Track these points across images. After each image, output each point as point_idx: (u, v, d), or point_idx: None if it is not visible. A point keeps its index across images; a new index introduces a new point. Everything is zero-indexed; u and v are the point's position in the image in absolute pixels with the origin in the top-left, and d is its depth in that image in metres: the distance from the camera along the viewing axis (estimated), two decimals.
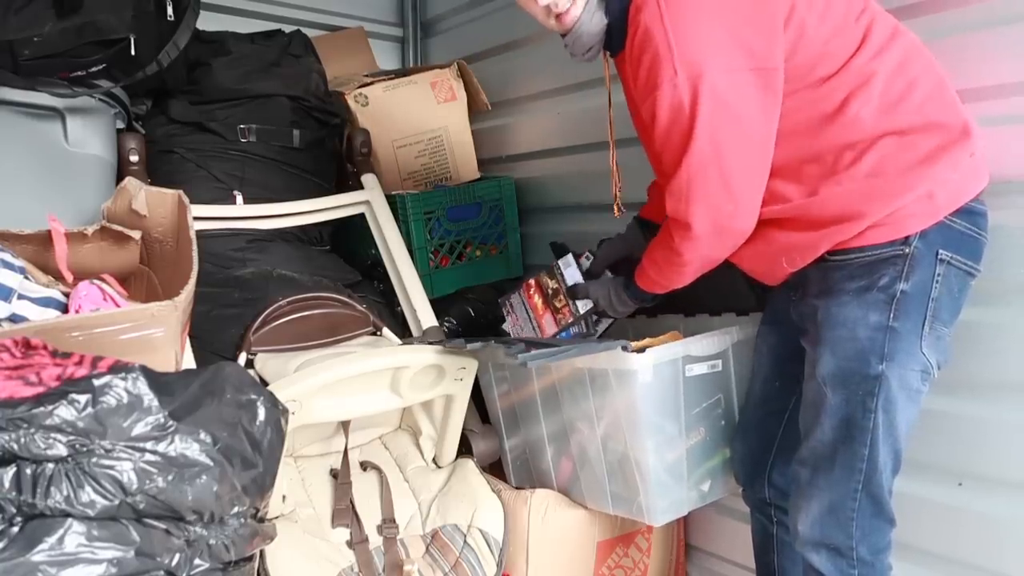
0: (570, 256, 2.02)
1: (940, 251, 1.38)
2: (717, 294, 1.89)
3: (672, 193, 1.46)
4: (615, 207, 1.84)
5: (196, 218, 1.81)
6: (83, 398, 1.07)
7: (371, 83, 2.72)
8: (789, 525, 1.56)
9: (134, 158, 2.17)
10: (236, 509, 1.20)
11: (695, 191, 1.42)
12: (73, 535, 1.05)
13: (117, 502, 1.08)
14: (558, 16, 1.56)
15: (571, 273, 2.00)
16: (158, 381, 1.14)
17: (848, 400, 1.42)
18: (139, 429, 1.10)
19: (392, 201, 2.46)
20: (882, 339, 1.39)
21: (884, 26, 1.43)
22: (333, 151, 2.60)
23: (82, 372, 1.15)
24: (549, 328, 2.01)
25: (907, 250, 1.38)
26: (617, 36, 1.51)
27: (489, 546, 1.90)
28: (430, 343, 1.99)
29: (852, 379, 1.41)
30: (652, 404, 1.69)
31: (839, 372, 1.42)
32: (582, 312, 1.95)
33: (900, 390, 1.40)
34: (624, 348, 1.67)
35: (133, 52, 2.06)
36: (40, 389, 1.10)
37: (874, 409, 1.40)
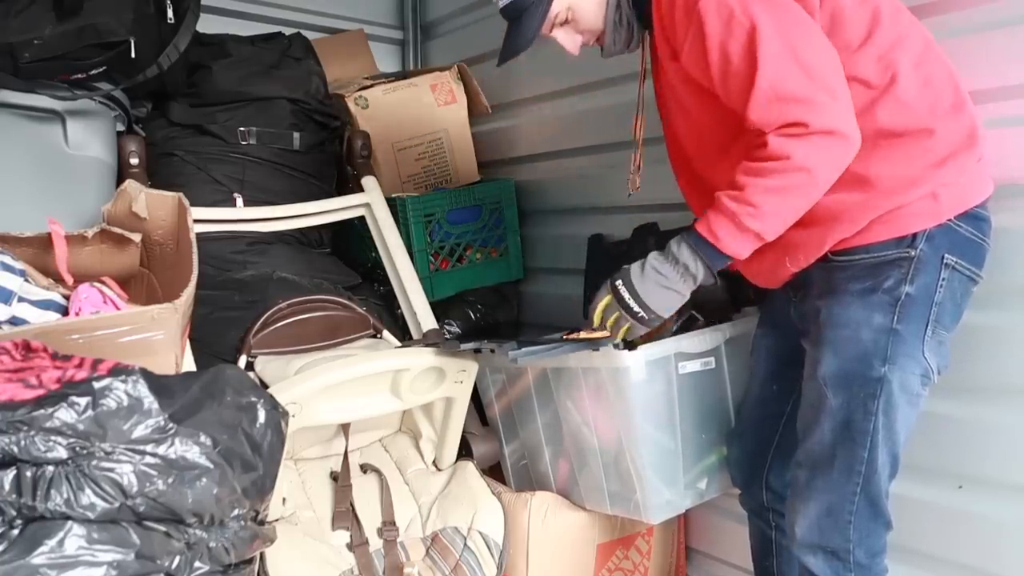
0: None
1: (946, 255, 1.38)
2: (695, 307, 1.85)
3: (760, 104, 1.30)
4: (631, 180, 1.72)
5: (196, 221, 1.82)
6: (83, 401, 1.07)
7: (371, 86, 2.72)
8: (786, 527, 1.55)
9: (134, 161, 2.17)
10: (236, 512, 1.20)
11: (784, 88, 1.28)
12: (73, 538, 1.05)
13: (117, 505, 1.08)
14: (596, 41, 1.59)
15: None
16: (158, 384, 1.14)
17: (849, 402, 1.41)
18: (139, 432, 1.10)
19: (392, 203, 2.47)
20: (885, 341, 1.38)
21: (905, 17, 1.42)
22: (333, 154, 2.60)
23: (82, 375, 1.15)
24: None
25: (913, 253, 1.37)
26: (646, 8, 1.50)
27: (489, 548, 1.90)
28: (428, 345, 1.99)
29: (854, 381, 1.41)
30: (646, 402, 1.69)
31: (841, 373, 1.42)
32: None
33: (901, 393, 1.39)
34: (616, 346, 1.66)
35: (133, 55, 2.06)
36: (40, 392, 1.10)
37: (875, 412, 1.39)
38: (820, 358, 1.44)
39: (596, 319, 1.54)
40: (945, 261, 1.38)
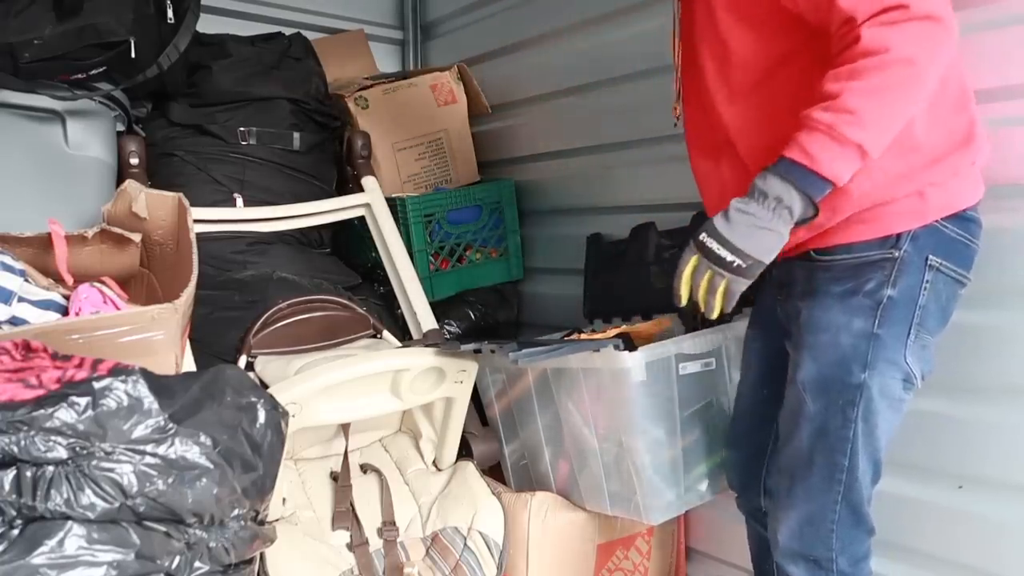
0: None
1: (930, 257, 1.34)
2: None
3: None
4: (675, 109, 1.59)
5: (196, 221, 1.82)
6: (83, 401, 1.07)
7: (371, 86, 2.73)
8: (768, 534, 1.52)
9: (134, 161, 2.17)
10: (236, 512, 1.20)
11: None
12: (73, 538, 1.05)
13: (117, 505, 1.08)
14: None
15: None
16: (158, 384, 1.14)
17: (828, 408, 1.38)
18: (139, 432, 1.10)
19: (392, 204, 2.47)
20: (865, 346, 1.34)
21: None
22: (333, 154, 2.60)
23: (82, 375, 1.15)
24: None
25: (896, 254, 1.33)
26: None
27: (489, 548, 1.90)
28: (428, 345, 1.99)
29: (833, 387, 1.37)
30: (646, 402, 1.69)
31: (820, 379, 1.39)
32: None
33: (881, 399, 1.36)
34: (616, 347, 1.66)
35: (133, 55, 2.06)
36: (40, 392, 1.10)
37: (854, 419, 1.36)
38: (800, 362, 1.41)
39: (684, 290, 1.33)
40: (929, 263, 1.34)
